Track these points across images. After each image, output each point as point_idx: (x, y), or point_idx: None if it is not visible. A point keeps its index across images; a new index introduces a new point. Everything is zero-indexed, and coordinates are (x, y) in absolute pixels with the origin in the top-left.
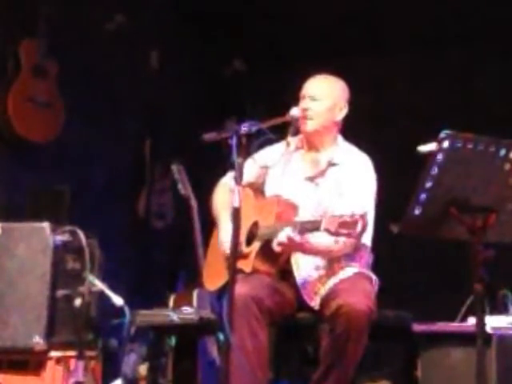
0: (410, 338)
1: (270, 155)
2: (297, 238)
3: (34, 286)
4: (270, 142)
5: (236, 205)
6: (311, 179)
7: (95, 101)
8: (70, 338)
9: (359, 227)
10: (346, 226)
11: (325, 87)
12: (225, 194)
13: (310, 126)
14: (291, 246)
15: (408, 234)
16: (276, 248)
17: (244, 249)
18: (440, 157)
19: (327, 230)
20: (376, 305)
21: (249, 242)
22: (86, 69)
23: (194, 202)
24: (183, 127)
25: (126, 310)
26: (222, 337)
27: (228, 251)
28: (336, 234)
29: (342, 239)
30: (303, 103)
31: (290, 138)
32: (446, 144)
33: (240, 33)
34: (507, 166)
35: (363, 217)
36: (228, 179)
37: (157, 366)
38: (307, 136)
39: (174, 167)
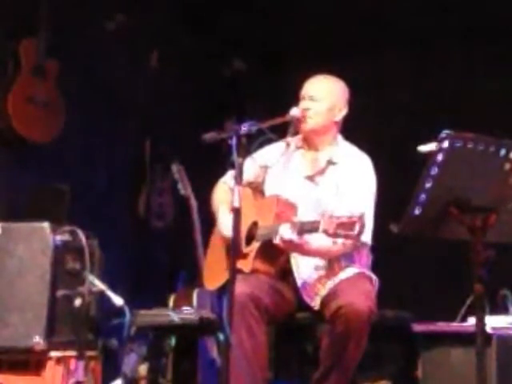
0: (409, 338)
1: (270, 155)
2: (294, 237)
3: (34, 286)
4: (269, 142)
5: (236, 205)
6: (310, 178)
7: (95, 101)
8: (70, 337)
9: (357, 228)
10: (344, 227)
11: (324, 87)
12: (224, 191)
13: (309, 124)
14: (290, 247)
15: (408, 234)
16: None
17: (243, 249)
18: (440, 157)
19: (325, 232)
20: (376, 305)
21: (248, 242)
22: (86, 69)
23: (193, 202)
24: (183, 127)
25: (126, 310)
26: (221, 337)
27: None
28: (334, 235)
29: (340, 240)
30: (303, 103)
31: (289, 138)
32: (445, 144)
33: (240, 33)
34: (507, 166)
35: (361, 218)
36: (228, 178)
37: (157, 365)
38: (307, 135)
39: (174, 167)
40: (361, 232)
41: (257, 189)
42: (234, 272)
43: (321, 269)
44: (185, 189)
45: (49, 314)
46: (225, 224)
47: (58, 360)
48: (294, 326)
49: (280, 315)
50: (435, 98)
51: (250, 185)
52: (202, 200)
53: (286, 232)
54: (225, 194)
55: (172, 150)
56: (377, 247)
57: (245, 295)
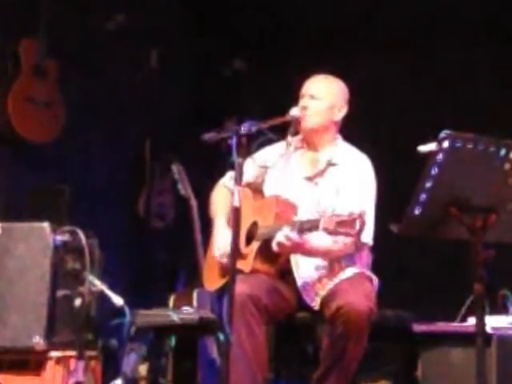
0: (409, 338)
1: (270, 155)
2: (295, 237)
3: (34, 286)
4: (269, 142)
5: (236, 205)
6: (310, 179)
7: (95, 101)
8: (70, 337)
9: (357, 226)
10: (344, 225)
11: (324, 87)
12: (223, 196)
13: (308, 123)
14: (291, 247)
15: (408, 234)
16: (275, 248)
17: (243, 249)
18: (440, 157)
19: (325, 230)
20: (376, 305)
21: (248, 242)
22: (86, 69)
23: (193, 202)
24: (183, 127)
25: (126, 310)
26: (221, 337)
27: (220, 259)
28: (334, 233)
29: (340, 239)
30: (303, 102)
31: (289, 138)
32: (446, 144)
33: (240, 32)
34: (507, 166)
35: (361, 216)
36: (227, 180)
37: (157, 366)
38: (306, 134)
39: (174, 167)
40: (361, 230)
41: (256, 189)
42: (234, 272)
43: (321, 269)
44: (185, 189)
45: (49, 314)
46: (219, 245)
47: (58, 360)
48: (294, 326)
49: (280, 315)
50: (435, 98)
51: (249, 185)
52: (202, 200)
53: (285, 233)
54: (224, 198)
55: (172, 150)
56: (377, 247)
57: (245, 295)
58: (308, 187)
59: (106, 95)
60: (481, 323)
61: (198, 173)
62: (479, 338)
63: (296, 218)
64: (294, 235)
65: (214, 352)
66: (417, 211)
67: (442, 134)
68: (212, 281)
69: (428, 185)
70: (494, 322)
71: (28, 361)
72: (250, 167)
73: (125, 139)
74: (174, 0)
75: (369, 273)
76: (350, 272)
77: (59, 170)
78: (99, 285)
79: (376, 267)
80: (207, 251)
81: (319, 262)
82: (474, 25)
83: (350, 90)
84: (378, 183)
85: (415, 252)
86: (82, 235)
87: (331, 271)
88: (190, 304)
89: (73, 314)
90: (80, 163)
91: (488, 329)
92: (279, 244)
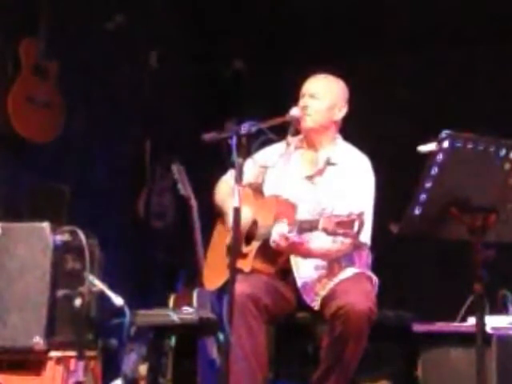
0: (409, 338)
1: (270, 155)
2: (295, 237)
3: (34, 286)
4: (270, 142)
5: (236, 205)
6: (309, 178)
7: (95, 101)
8: (70, 337)
9: (356, 227)
10: (343, 225)
11: (325, 86)
12: (227, 187)
13: (309, 121)
14: (288, 246)
15: (408, 235)
16: (272, 245)
17: (243, 248)
18: (440, 157)
19: (324, 230)
20: (376, 305)
21: (248, 242)
22: (86, 69)
23: (193, 202)
24: (183, 127)
25: (126, 310)
26: (221, 337)
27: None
28: (333, 233)
29: (339, 239)
30: (303, 101)
31: (289, 138)
32: (446, 144)
33: (240, 33)
34: (507, 166)
35: (360, 216)
36: (228, 177)
37: (157, 366)
38: (306, 133)
39: (174, 167)
40: (360, 230)
41: (257, 189)
42: (234, 272)
43: (321, 269)
44: (185, 189)
45: (49, 314)
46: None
47: (58, 360)
48: (294, 326)
49: (280, 315)
50: (435, 98)
51: (250, 185)
52: (202, 200)
53: (280, 230)
54: (229, 188)
55: (172, 151)
56: (377, 247)
57: (245, 295)
58: (308, 187)
59: (106, 95)
60: (481, 323)
61: (198, 173)
62: (479, 338)
63: (296, 218)
64: (293, 234)
65: (214, 352)
66: (417, 211)
67: (442, 134)
68: (212, 280)
69: (428, 185)
70: (494, 322)
71: (28, 361)
72: (251, 167)
73: (125, 139)
74: (174, 1)
75: (369, 273)
76: (349, 272)
77: (59, 169)
78: (99, 285)
79: (376, 267)
80: (207, 251)
81: (319, 262)
82: (474, 25)
83: (350, 90)
84: (379, 183)
85: (415, 252)
86: (82, 235)
87: (331, 271)
88: (190, 304)
89: (73, 314)
90: (80, 163)
91: (488, 329)
92: (276, 243)
